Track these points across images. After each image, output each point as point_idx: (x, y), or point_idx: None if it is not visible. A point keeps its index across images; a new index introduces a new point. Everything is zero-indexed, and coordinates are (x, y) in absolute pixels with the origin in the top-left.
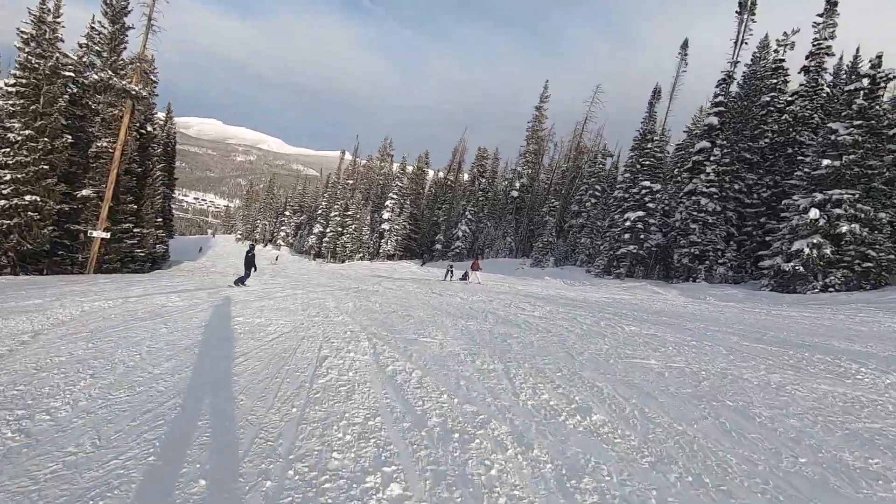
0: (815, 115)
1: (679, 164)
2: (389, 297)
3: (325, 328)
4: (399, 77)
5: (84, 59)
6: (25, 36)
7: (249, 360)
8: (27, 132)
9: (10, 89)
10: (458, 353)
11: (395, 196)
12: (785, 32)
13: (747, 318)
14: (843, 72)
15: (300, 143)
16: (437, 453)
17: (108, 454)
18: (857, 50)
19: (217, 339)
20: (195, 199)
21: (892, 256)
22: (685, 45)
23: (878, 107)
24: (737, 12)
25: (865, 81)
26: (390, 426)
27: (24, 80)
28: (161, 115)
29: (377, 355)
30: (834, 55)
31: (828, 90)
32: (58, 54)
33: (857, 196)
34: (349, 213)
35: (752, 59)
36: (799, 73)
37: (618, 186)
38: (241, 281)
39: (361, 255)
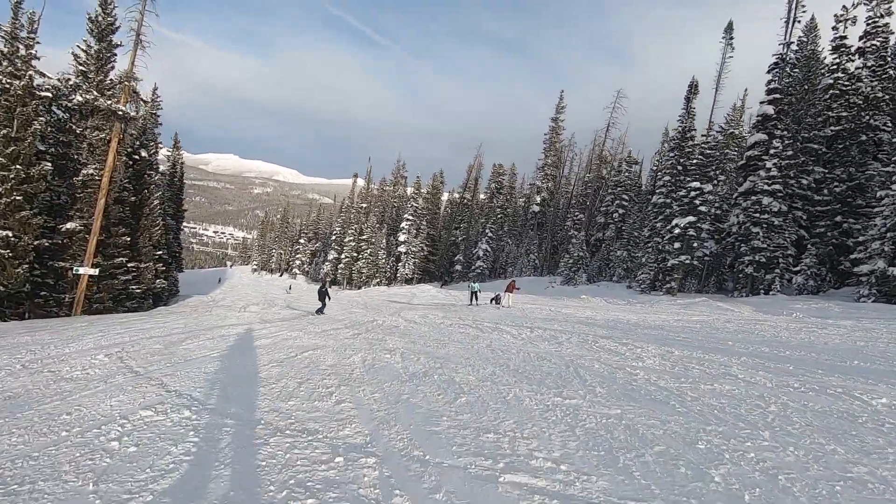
0: (885, 97)
1: (716, 164)
2: (414, 338)
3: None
4: (409, 105)
5: (70, 82)
6: None
7: None
8: None
9: None
10: None
11: (410, 217)
12: (844, 7)
13: None
14: None
15: (314, 172)
16: None
17: None
18: None
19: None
20: (214, 232)
21: None
22: (730, 29)
23: None
24: None
25: None
26: None
27: None
28: (166, 150)
29: None
30: (894, 33)
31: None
32: (31, 72)
33: None
34: (364, 237)
35: (797, 44)
36: (853, 54)
37: (657, 191)
38: (319, 311)
39: (378, 280)
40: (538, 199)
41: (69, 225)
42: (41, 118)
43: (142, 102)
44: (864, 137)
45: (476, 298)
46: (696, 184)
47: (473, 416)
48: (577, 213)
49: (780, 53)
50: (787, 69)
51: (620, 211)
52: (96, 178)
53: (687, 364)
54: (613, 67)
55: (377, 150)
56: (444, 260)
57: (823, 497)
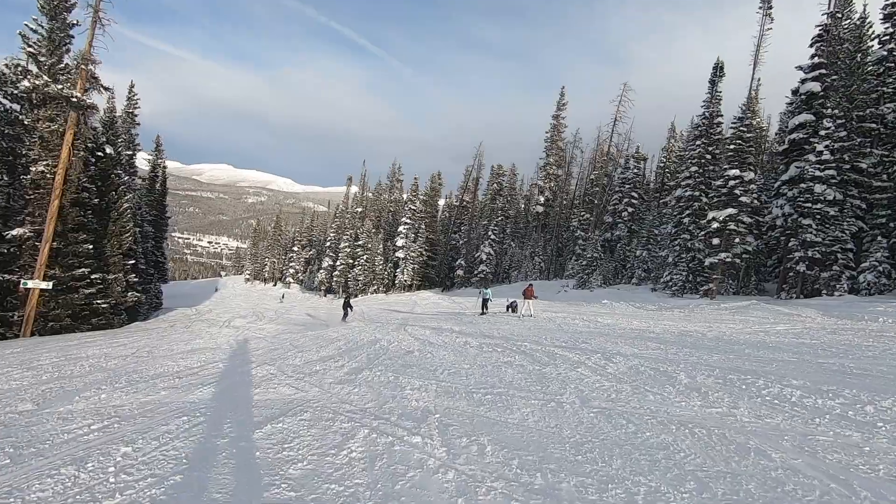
0: None
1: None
2: (445, 381)
3: None
4: (405, 114)
5: (19, 67)
6: None
7: None
8: None
9: None
10: None
11: (408, 221)
12: None
13: None
14: None
15: (309, 181)
16: None
17: None
18: None
19: None
20: (209, 242)
21: None
22: None
23: None
24: None
25: None
26: None
27: None
28: (147, 154)
29: None
30: None
31: None
32: None
33: None
34: (359, 242)
35: (842, 14)
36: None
37: (682, 183)
38: (343, 318)
39: (376, 287)
40: (541, 199)
41: (16, 231)
42: None
43: (102, 89)
44: None
45: (486, 306)
46: (735, 171)
47: None
48: (583, 213)
49: (825, 24)
50: (832, 42)
51: (630, 210)
52: (49, 176)
53: None
54: (611, 69)
55: (373, 159)
56: (444, 265)
57: None
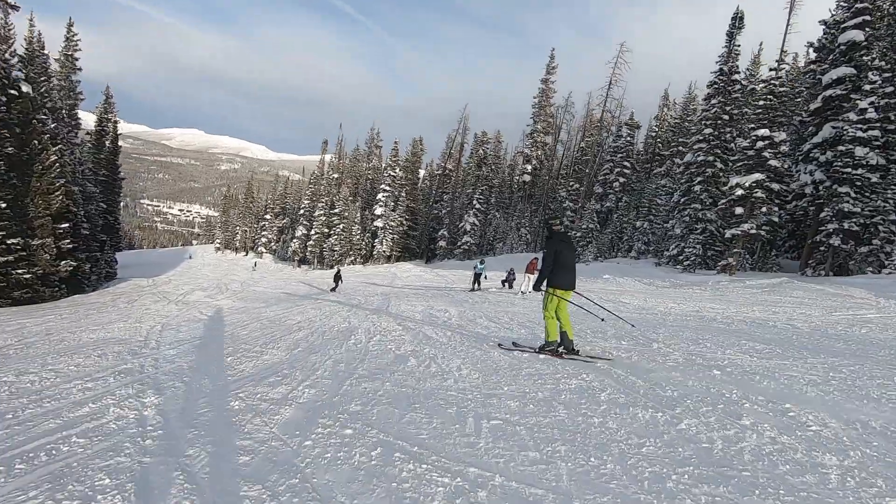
0: None
1: (766, 111)
2: (469, 426)
3: None
4: (387, 82)
5: None
6: None
7: None
8: None
9: None
10: None
11: (387, 188)
12: None
13: None
14: None
15: (285, 148)
16: None
17: None
18: None
19: None
20: (180, 210)
21: None
22: None
23: None
24: None
25: None
26: None
27: None
28: (79, 116)
29: None
30: None
31: None
32: None
33: None
34: (335, 211)
35: None
36: None
37: (694, 147)
38: (333, 290)
39: (353, 258)
40: (528, 167)
41: None
42: None
43: (7, 6)
44: None
45: (479, 282)
46: (764, 131)
47: None
48: (571, 183)
49: None
50: None
51: (621, 180)
52: None
53: None
54: (597, 41)
55: (351, 126)
56: (425, 236)
57: None
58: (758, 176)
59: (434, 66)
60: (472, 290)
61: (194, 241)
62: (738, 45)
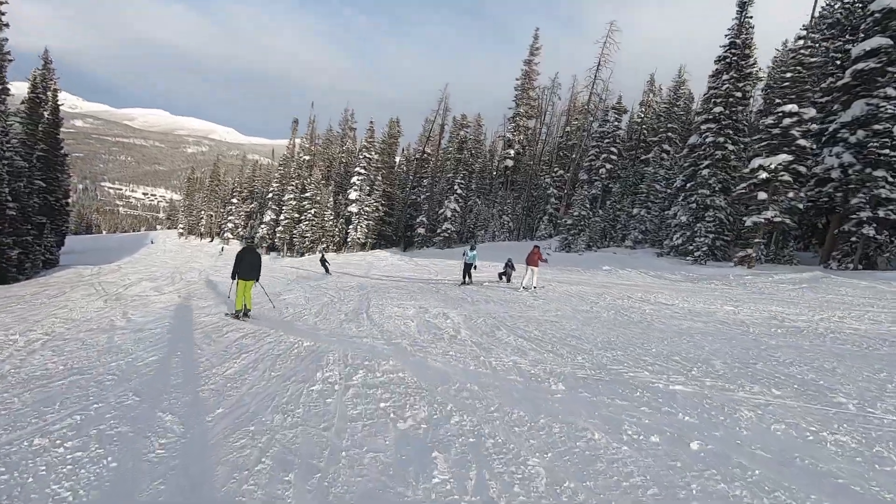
0: None
1: (794, 84)
2: None
3: None
4: (361, 68)
5: None
6: None
7: None
8: None
9: None
10: None
11: (362, 171)
12: None
13: None
14: None
15: (255, 132)
16: None
17: None
18: None
19: None
20: (144, 194)
21: None
22: None
23: None
24: None
25: None
26: None
27: None
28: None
29: None
30: None
31: None
32: None
33: None
34: (307, 194)
35: None
36: None
37: (702, 128)
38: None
39: (325, 245)
40: (511, 152)
41: None
42: None
43: None
44: None
45: (470, 274)
46: (792, 107)
47: None
48: (556, 169)
49: None
50: None
51: (608, 166)
52: None
53: None
54: (574, 31)
55: (323, 109)
56: (402, 222)
57: None
58: (784, 157)
59: (412, 52)
60: (464, 283)
61: (158, 227)
62: (751, 17)
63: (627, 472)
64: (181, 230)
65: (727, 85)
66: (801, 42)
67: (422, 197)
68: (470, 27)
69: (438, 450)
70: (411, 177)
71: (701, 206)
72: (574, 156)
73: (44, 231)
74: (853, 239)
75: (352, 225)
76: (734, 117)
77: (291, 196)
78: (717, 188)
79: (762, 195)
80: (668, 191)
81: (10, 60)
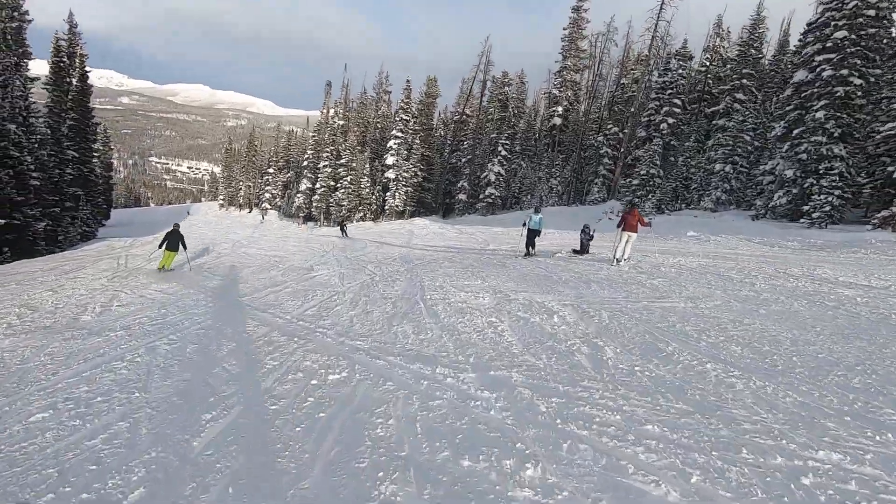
0: None
1: None
2: None
3: None
4: (392, 33)
5: None
6: None
7: None
8: None
9: None
10: None
11: (399, 135)
12: None
13: None
14: None
15: (291, 104)
16: None
17: None
18: None
19: None
20: (189, 168)
21: None
22: None
23: None
24: None
25: None
26: None
27: None
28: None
29: None
30: None
31: None
32: None
33: None
34: (342, 161)
35: None
36: None
37: (816, 59)
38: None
39: (363, 213)
40: (559, 109)
41: None
42: None
43: None
44: None
45: (533, 243)
46: None
47: None
48: (609, 126)
49: None
50: None
51: (670, 120)
52: None
53: None
54: None
55: (357, 77)
56: (441, 189)
57: None
58: None
59: (446, 17)
60: (528, 254)
61: (203, 199)
62: None
63: None
64: (221, 202)
65: (854, 1)
66: None
67: (462, 161)
68: None
69: None
70: (449, 140)
71: (814, 156)
72: (633, 109)
73: (79, 203)
74: None
75: (389, 192)
76: (863, 43)
77: (326, 163)
78: (835, 134)
79: None
80: (757, 143)
81: (30, 21)
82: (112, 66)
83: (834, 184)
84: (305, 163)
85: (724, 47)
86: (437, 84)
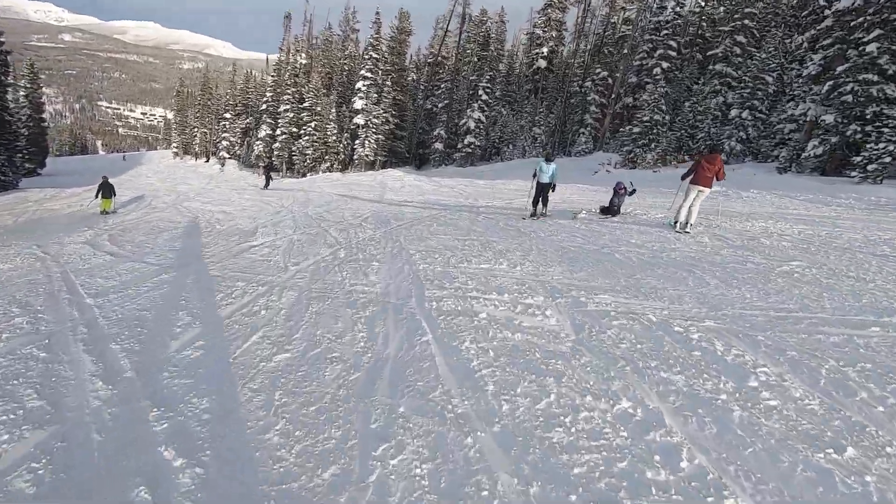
0: None
1: None
2: None
3: None
4: None
5: None
6: None
7: None
8: None
9: None
10: None
11: (368, 75)
12: None
13: None
14: None
15: (252, 46)
16: None
17: None
18: None
19: None
20: (143, 114)
21: None
22: None
23: None
24: None
25: None
26: None
27: None
28: None
29: None
30: None
31: None
32: None
33: None
34: (305, 104)
35: None
36: None
37: None
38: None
39: (329, 163)
40: (544, 50)
41: None
42: None
43: None
44: None
45: (544, 200)
46: None
47: None
48: (597, 70)
49: None
50: None
51: (664, 65)
52: None
53: None
54: None
55: (321, 12)
56: (415, 137)
57: None
58: None
59: None
60: (534, 214)
61: (158, 147)
62: None
63: None
64: (175, 150)
65: None
66: None
67: (439, 106)
68: None
69: None
70: (423, 85)
71: (861, 98)
72: (625, 51)
73: None
74: None
75: (358, 140)
76: None
77: (287, 107)
78: (890, 72)
79: None
80: (775, 87)
81: None
82: None
83: (890, 132)
84: (264, 106)
85: None
86: (410, 20)
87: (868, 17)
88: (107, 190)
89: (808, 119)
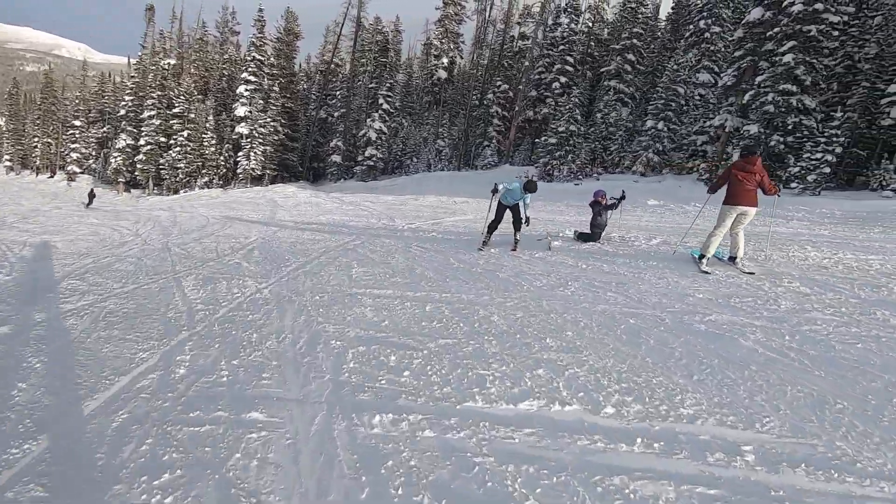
0: None
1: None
2: None
3: None
4: None
5: None
6: None
7: None
8: None
9: None
10: None
11: (252, 78)
12: None
13: None
14: None
15: (113, 49)
16: None
17: None
18: None
19: None
20: None
21: None
22: None
23: None
24: None
25: None
26: None
27: None
28: None
29: None
30: None
31: None
32: None
33: None
34: (175, 110)
35: None
36: None
37: None
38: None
39: (208, 178)
40: (445, 60)
41: None
42: None
43: None
44: None
45: (516, 224)
46: None
47: None
48: (498, 83)
49: None
50: None
51: (562, 79)
52: None
53: None
54: None
55: (193, 11)
56: (309, 149)
57: None
58: None
59: None
60: (486, 243)
61: None
62: None
63: None
64: (8, 163)
65: None
66: None
67: (335, 116)
68: None
69: None
70: (315, 93)
71: (782, 108)
72: (526, 63)
73: None
74: None
75: (242, 152)
76: None
77: (153, 113)
78: (806, 83)
79: None
80: (682, 101)
81: None
82: None
83: (838, 142)
84: (123, 112)
85: (603, 7)
86: (298, 22)
87: (782, 28)
88: None
89: (725, 130)
